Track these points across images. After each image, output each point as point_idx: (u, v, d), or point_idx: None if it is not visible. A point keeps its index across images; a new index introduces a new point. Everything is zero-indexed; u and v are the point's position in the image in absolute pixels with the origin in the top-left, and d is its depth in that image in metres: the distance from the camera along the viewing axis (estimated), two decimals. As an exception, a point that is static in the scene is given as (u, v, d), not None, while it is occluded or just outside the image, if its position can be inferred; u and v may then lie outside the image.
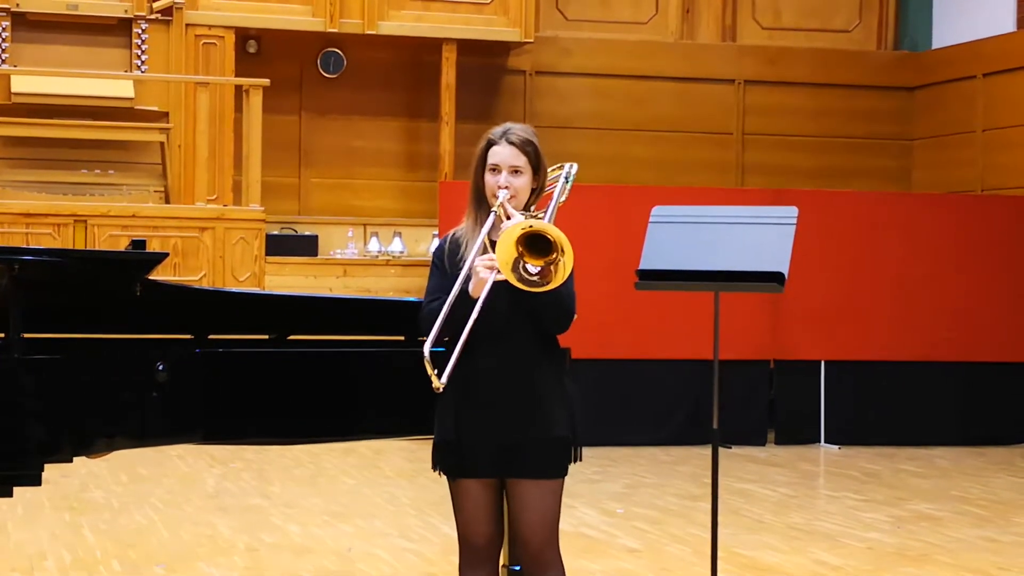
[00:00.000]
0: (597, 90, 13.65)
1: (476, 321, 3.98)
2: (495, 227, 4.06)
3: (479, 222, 4.14)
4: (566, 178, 4.36)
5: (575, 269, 3.99)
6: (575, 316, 4.09)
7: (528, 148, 4.12)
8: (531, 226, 3.87)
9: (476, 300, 3.97)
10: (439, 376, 3.93)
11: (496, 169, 4.11)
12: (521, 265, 3.88)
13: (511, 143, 4.12)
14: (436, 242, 12.00)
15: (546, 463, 4.10)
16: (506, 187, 4.09)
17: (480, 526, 4.14)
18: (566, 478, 4.15)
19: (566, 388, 4.16)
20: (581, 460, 4.18)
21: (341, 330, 5.03)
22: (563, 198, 4.32)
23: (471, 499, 4.13)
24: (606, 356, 10.36)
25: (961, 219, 11.21)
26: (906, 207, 11.36)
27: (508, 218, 4.03)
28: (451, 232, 4.22)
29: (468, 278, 4.03)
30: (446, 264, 4.15)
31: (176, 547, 6.96)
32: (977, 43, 13.31)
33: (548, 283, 3.89)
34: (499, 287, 3.99)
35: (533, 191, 4.16)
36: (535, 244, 3.88)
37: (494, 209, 4.07)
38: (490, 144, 4.15)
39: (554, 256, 3.86)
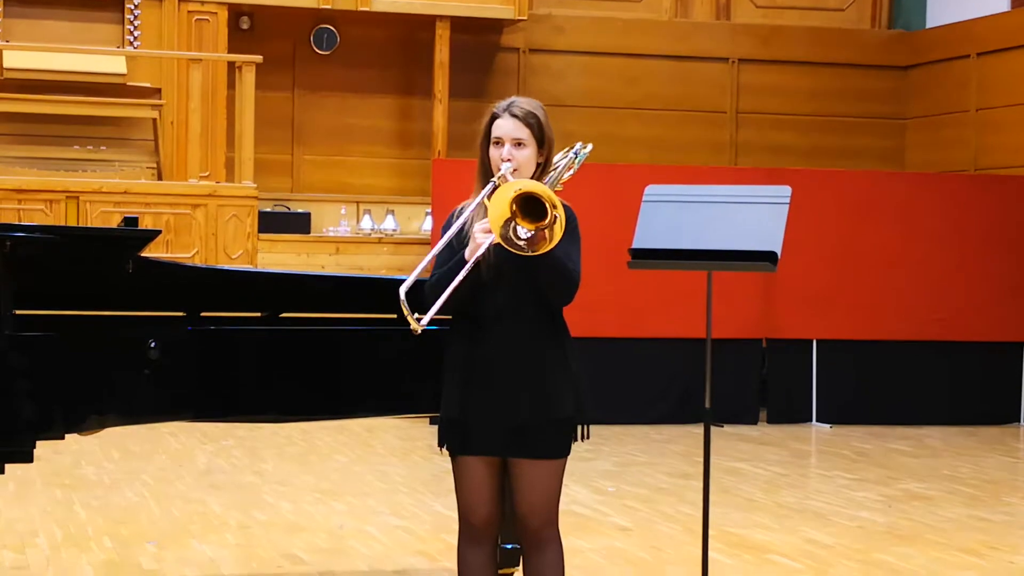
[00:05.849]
0: (590, 68, 13.62)
1: (482, 303, 4.02)
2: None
3: None
4: (575, 153, 4.33)
5: (584, 243, 4.01)
6: (578, 287, 4.07)
7: (531, 120, 4.09)
8: (523, 187, 3.86)
9: (466, 263, 3.97)
10: (419, 321, 3.93)
11: (499, 142, 4.09)
12: (512, 227, 3.86)
13: (514, 116, 4.09)
14: (429, 220, 12.04)
15: (549, 443, 4.10)
16: (509, 159, 4.07)
17: (481, 505, 4.15)
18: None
19: (572, 367, 4.15)
20: (588, 438, 4.18)
21: (334, 308, 5.03)
22: (568, 173, 4.29)
23: (473, 477, 4.13)
24: (598, 335, 10.34)
25: (954, 199, 11.20)
26: (899, 187, 11.36)
27: None
28: (460, 206, 4.21)
29: (458, 235, 4.05)
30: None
31: (167, 524, 6.96)
32: (971, 22, 13.28)
33: (536, 250, 3.87)
34: (505, 268, 3.98)
35: (539, 165, 4.14)
36: (529, 207, 3.85)
37: (494, 179, 4.05)
38: (494, 118, 4.13)
39: (546, 222, 3.84)
